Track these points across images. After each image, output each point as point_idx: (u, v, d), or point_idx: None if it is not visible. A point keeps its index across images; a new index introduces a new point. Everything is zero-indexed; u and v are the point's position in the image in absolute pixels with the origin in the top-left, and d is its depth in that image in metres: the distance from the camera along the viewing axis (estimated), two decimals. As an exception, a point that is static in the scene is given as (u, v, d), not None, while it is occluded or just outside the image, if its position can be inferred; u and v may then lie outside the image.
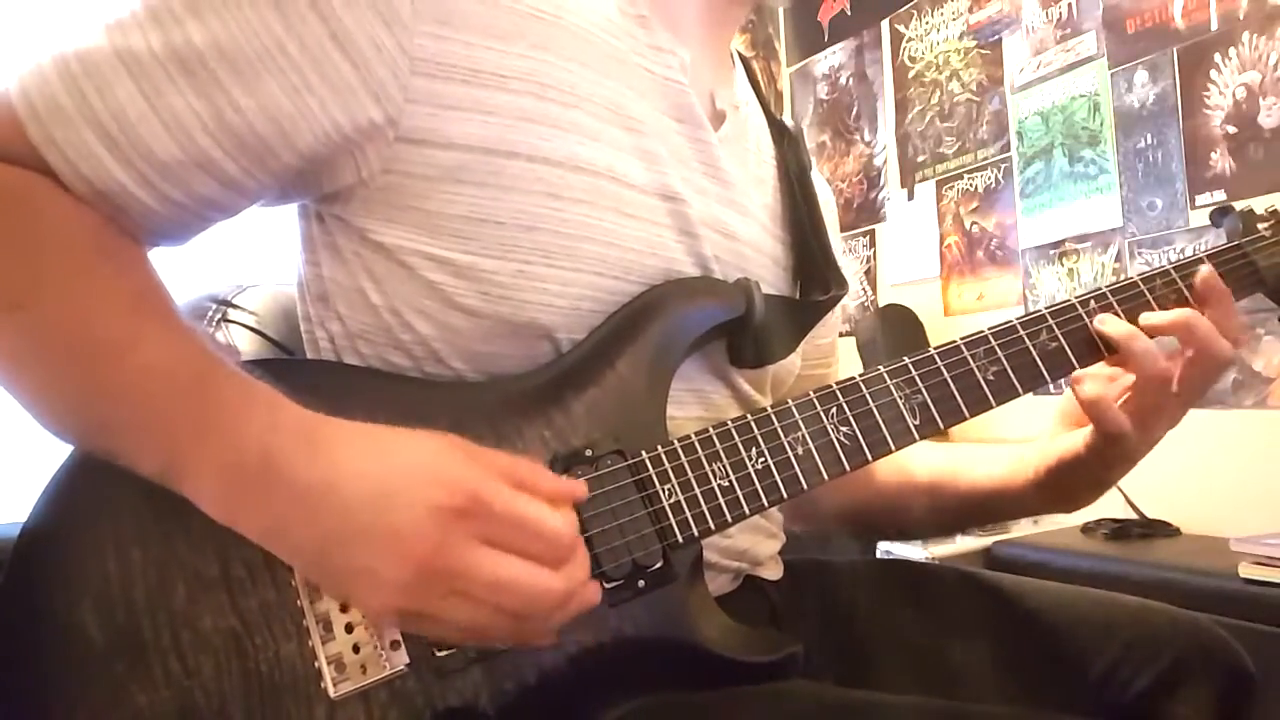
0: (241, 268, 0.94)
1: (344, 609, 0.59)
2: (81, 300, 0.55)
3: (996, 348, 0.73)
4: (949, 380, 0.71)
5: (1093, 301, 0.75)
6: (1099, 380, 0.74)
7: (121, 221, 0.58)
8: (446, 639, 0.57)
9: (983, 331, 0.73)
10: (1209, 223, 0.88)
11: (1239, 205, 0.86)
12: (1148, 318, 0.73)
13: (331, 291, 0.68)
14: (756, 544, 0.79)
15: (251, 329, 0.86)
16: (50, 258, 0.56)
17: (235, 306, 0.87)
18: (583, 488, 0.58)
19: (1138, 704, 0.74)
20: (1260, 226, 0.81)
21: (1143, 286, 0.76)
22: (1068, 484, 0.80)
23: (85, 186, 0.57)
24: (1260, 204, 0.85)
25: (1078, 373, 0.73)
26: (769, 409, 0.68)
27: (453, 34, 0.61)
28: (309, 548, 0.53)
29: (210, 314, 0.87)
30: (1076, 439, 0.77)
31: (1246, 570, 1.54)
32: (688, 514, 0.63)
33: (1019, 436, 0.87)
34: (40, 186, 0.56)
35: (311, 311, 0.70)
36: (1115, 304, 0.75)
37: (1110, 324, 0.73)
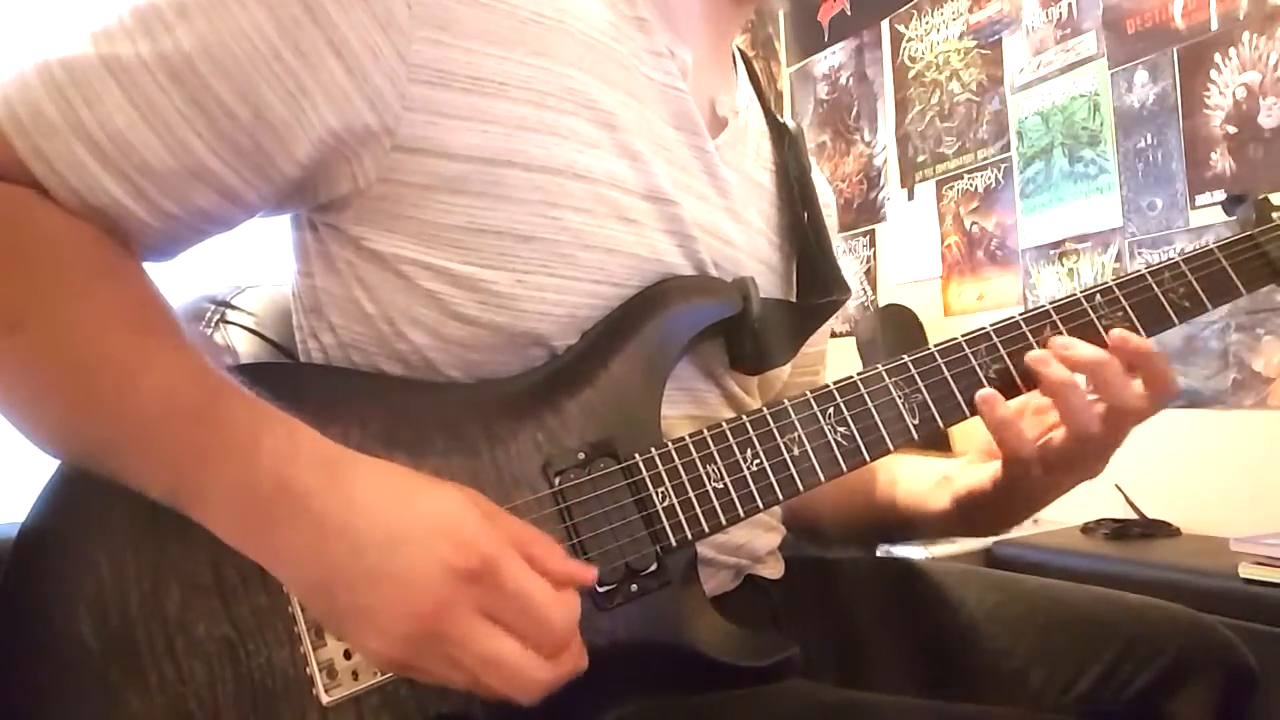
0: (240, 268, 0.93)
1: None
2: (81, 321, 0.54)
3: (999, 344, 0.70)
4: (949, 379, 0.69)
5: (1098, 296, 0.72)
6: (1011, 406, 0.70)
7: (115, 235, 0.57)
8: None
9: (985, 328, 0.71)
10: (1222, 211, 0.82)
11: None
12: (1065, 348, 0.68)
13: (324, 302, 0.67)
14: (754, 538, 0.78)
15: (250, 330, 0.85)
16: (45, 277, 0.54)
17: (234, 308, 0.87)
18: (592, 573, 0.56)
19: (1139, 702, 0.74)
20: (1275, 215, 0.77)
21: (1150, 280, 0.73)
22: (975, 513, 0.78)
23: (76, 200, 0.55)
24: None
25: (983, 392, 0.68)
26: (765, 410, 0.67)
27: (452, 40, 0.59)
28: (315, 579, 0.52)
29: (209, 315, 0.86)
30: (984, 472, 0.75)
31: (1246, 570, 1.54)
32: (681, 517, 0.63)
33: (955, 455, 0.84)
34: (31, 201, 0.55)
35: (304, 322, 0.70)
36: (1122, 298, 0.72)
37: (1038, 358, 0.68)
